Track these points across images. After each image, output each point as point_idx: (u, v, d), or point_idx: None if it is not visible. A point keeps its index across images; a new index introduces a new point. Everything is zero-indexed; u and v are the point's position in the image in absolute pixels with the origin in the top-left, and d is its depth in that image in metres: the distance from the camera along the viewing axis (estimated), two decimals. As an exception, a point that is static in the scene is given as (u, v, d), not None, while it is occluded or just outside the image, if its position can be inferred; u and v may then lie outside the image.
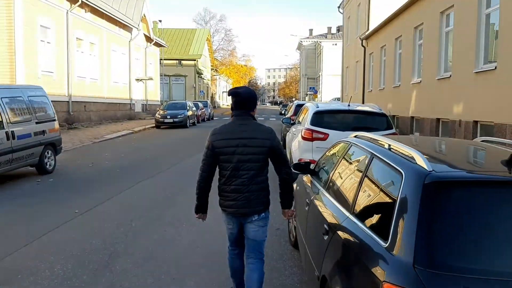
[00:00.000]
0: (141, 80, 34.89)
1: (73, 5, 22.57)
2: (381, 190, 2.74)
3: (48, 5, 20.77)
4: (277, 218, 5.70)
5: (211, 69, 67.76)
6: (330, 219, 3.19)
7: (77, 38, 24.00)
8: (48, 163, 10.18)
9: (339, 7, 34.15)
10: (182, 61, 53.17)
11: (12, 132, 8.75)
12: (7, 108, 8.78)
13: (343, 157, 3.75)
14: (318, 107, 7.89)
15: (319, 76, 62.10)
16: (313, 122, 7.58)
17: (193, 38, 56.24)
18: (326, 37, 65.13)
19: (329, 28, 69.04)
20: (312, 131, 7.43)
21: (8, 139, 8.61)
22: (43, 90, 10.66)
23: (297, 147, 7.85)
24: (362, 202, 2.89)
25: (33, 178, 9.71)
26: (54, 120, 10.64)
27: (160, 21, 50.16)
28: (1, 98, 8.71)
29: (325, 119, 7.68)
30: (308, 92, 55.01)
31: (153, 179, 9.89)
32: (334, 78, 54.92)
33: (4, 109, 8.68)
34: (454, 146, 3.74)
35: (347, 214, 2.94)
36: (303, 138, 7.56)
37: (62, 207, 7.27)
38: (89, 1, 24.34)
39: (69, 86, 22.81)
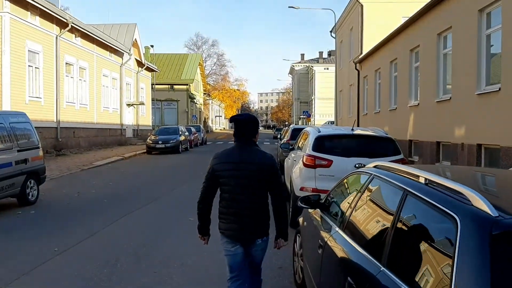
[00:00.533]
0: (132, 105, 34.41)
1: (62, 30, 22.19)
2: (425, 239, 2.16)
3: (37, 30, 20.35)
4: (279, 254, 5.13)
5: (204, 93, 67.56)
6: (355, 271, 2.60)
7: (66, 63, 23.55)
8: (30, 194, 9.50)
9: (331, 31, 34.16)
10: (174, 86, 52.91)
11: (-14, 162, 8.13)
12: (-20, 136, 8.18)
13: (363, 192, 3.19)
14: (320, 132, 7.36)
15: (312, 100, 62.07)
16: (315, 148, 7.04)
17: (185, 63, 56.16)
18: (317, 62, 65.43)
19: (321, 53, 69.50)
20: (315, 157, 6.89)
21: (-15, 169, 7.98)
22: (26, 116, 10.06)
23: (298, 175, 7.28)
24: (399, 253, 2.29)
25: (14, 210, 9.03)
26: (38, 147, 10.00)
27: (152, 46, 50.06)
28: (-21, 125, 8.12)
29: (328, 144, 7.15)
30: (301, 116, 54.79)
31: (142, 211, 9.25)
32: (327, 101, 54.99)
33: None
34: (506, 179, 2.98)
35: (379, 265, 2.36)
36: (305, 165, 7.01)
37: (40, 244, 6.60)
38: (79, 27, 24.02)
39: (58, 112, 22.22)
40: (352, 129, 7.40)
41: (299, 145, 8.66)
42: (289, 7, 30.69)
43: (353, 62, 26.71)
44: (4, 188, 8.53)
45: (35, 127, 19.87)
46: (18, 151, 9.09)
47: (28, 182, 9.39)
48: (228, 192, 3.54)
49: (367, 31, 25.67)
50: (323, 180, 6.78)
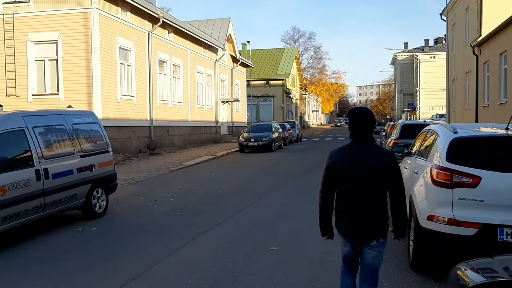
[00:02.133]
0: (227, 101, 33.70)
1: (154, 25, 21.65)
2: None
3: (128, 26, 19.94)
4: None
5: (300, 88, 65.72)
6: None
7: (159, 60, 23.08)
8: (97, 205, 8.36)
9: (441, 14, 30.37)
10: (270, 81, 51.83)
11: (45, 169, 6.97)
12: (40, 139, 7.06)
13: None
14: (456, 132, 5.05)
15: (416, 92, 57.19)
16: (451, 157, 4.75)
17: (281, 58, 54.82)
18: (423, 50, 60.12)
19: (426, 41, 63.77)
20: (452, 171, 4.63)
21: (38, 179, 6.84)
22: (94, 116, 8.97)
23: (423, 196, 5.03)
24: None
25: (75, 225, 7.86)
26: (107, 151, 8.85)
27: (248, 42, 49.39)
28: (33, 127, 7.01)
29: (472, 151, 4.81)
30: (406, 109, 50.59)
31: (222, 228, 7.61)
32: (433, 93, 50.44)
33: (36, 141, 6.96)
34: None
35: None
36: (435, 182, 4.76)
37: (89, 280, 5.22)
38: (172, 22, 23.45)
39: (151, 110, 21.78)
40: (508, 128, 5.00)
41: (421, 149, 6.33)
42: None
43: (470, 45, 23.07)
44: (64, 200, 7.41)
45: (128, 126, 19.87)
46: (82, 156, 7.94)
47: (95, 192, 8.25)
48: (345, 192, 3.48)
49: (488, 8, 22.03)
50: (466, 208, 4.55)
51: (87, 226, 7.78)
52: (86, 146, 8.19)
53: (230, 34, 33.44)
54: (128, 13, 19.94)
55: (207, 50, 29.68)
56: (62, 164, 7.42)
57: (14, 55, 18.15)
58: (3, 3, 18.24)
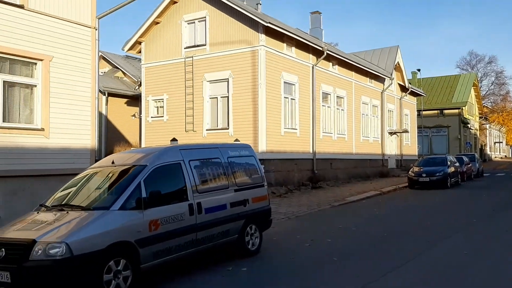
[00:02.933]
0: (395, 133, 31.80)
1: (318, 58, 21.58)
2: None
3: (293, 61, 20.23)
4: None
5: (480, 117, 59.16)
6: None
7: (323, 92, 22.86)
8: (250, 242, 8.04)
9: None
10: (444, 111, 47.76)
11: (198, 204, 6.92)
12: (195, 173, 7.07)
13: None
14: None
15: None
16: None
17: (456, 85, 50.32)
18: None
19: None
20: None
21: (191, 213, 6.78)
22: (250, 149, 8.80)
23: None
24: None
25: (226, 263, 7.61)
26: (262, 185, 8.56)
27: (418, 70, 46.63)
28: (189, 161, 7.07)
29: None
30: None
31: (384, 282, 6.52)
32: None
33: (191, 174, 6.98)
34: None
35: None
36: None
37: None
38: (336, 54, 23.18)
39: (314, 143, 21.51)
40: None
41: None
42: None
43: None
44: (216, 236, 7.25)
45: (290, 159, 19.87)
46: (236, 190, 7.77)
47: (248, 228, 7.97)
48: None
49: None
50: None
51: (237, 265, 7.47)
52: (241, 179, 8.03)
53: (398, 62, 31.79)
54: (293, 48, 20.25)
55: (373, 80, 28.59)
56: (215, 198, 7.33)
57: (193, 94, 19.79)
58: (184, 48, 20.19)
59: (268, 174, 18.23)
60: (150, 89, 21.36)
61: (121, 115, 29.80)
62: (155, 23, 20.92)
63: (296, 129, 20.41)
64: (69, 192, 6.75)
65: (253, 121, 18.17)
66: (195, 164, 7.21)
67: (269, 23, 17.59)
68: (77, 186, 6.84)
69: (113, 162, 6.99)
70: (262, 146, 17.95)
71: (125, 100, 29.79)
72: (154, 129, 21.06)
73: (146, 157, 6.78)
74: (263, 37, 18.12)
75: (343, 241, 9.50)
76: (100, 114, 29.29)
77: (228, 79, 18.92)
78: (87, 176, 7.05)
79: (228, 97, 18.96)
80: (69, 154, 10.77)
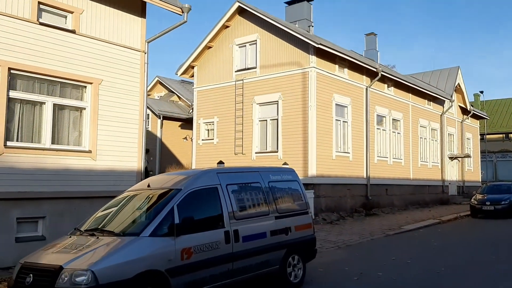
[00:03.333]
0: (455, 158, 30.10)
1: (372, 80, 20.87)
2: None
3: (345, 82, 19.66)
4: None
5: (552, 141, 55.08)
6: None
7: (377, 115, 22.02)
8: (292, 274, 7.50)
9: None
10: (510, 134, 44.81)
11: (235, 231, 6.51)
12: (233, 198, 6.70)
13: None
14: None
15: None
16: None
17: (524, 107, 47.27)
18: None
19: None
20: None
21: (228, 241, 6.38)
22: (294, 173, 8.31)
23: None
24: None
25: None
26: (306, 213, 8.03)
27: (481, 92, 44.38)
28: (226, 185, 6.72)
29: None
30: None
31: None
32: None
33: (228, 199, 6.62)
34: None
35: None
36: None
37: None
38: (391, 75, 22.37)
39: (368, 167, 20.64)
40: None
41: None
42: None
43: None
44: (254, 266, 6.79)
45: (342, 184, 19.13)
46: (277, 217, 7.30)
47: (290, 259, 7.45)
48: None
49: None
50: None
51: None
52: (283, 206, 7.56)
53: (458, 83, 30.28)
54: (346, 69, 19.72)
55: (431, 102, 27.32)
56: (254, 226, 6.89)
57: (242, 116, 19.67)
58: (235, 71, 20.23)
59: (319, 200, 17.62)
60: (202, 112, 21.50)
61: (175, 138, 30.31)
62: (208, 47, 21.16)
63: (348, 152, 19.68)
64: (104, 216, 6.58)
65: (303, 144, 17.70)
66: (233, 189, 6.85)
67: (320, 44, 17.22)
68: (112, 210, 6.67)
69: (148, 186, 6.78)
70: (312, 170, 17.38)
71: (179, 123, 30.32)
72: (205, 151, 21.09)
73: (182, 181, 6.51)
74: (313, 58, 17.75)
75: (395, 275, 8.73)
76: (155, 136, 29.98)
77: (277, 101, 18.65)
78: (123, 200, 6.85)
79: (277, 119, 18.66)
80: (115, 176, 10.79)
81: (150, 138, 30.21)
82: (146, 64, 11.66)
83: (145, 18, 11.75)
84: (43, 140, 9.83)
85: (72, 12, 10.33)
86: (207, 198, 6.53)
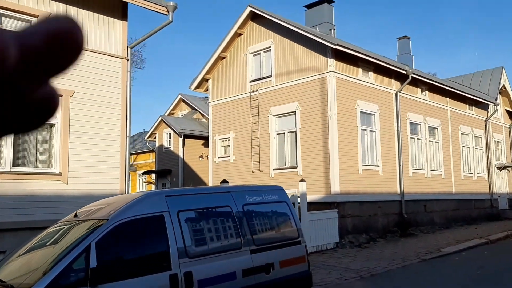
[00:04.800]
0: (505, 167, 27.19)
1: (402, 84, 18.80)
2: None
3: (371, 87, 17.69)
4: None
5: None
6: None
7: (410, 122, 19.85)
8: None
9: None
10: None
11: (187, 274, 4.76)
12: (186, 229, 4.97)
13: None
14: None
15: None
16: None
17: None
18: None
19: None
20: None
21: (174, 288, 4.70)
22: (282, 192, 6.44)
23: None
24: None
25: None
26: (297, 242, 6.18)
27: (530, 94, 40.80)
28: (178, 212, 5.00)
29: None
30: None
31: None
32: None
33: (179, 231, 4.88)
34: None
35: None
36: None
37: None
38: (425, 78, 20.20)
39: (401, 182, 18.44)
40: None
41: None
42: None
43: None
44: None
45: (372, 201, 17.00)
46: (253, 251, 5.51)
47: (278, 304, 5.66)
48: None
49: None
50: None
51: None
52: (262, 235, 5.76)
53: (503, 85, 27.56)
54: (371, 73, 17.79)
55: (473, 107, 24.78)
56: (217, 265, 5.09)
57: (258, 130, 18.08)
58: (249, 82, 18.74)
59: (344, 220, 15.59)
60: (217, 128, 20.05)
61: (197, 157, 29.08)
62: (221, 58, 19.83)
63: (378, 165, 17.59)
64: (15, 259, 5.02)
65: (323, 158, 15.82)
66: (187, 216, 5.12)
67: (338, 45, 15.43)
68: (23, 252, 5.08)
69: (75, 215, 5.23)
70: (335, 187, 15.44)
71: (202, 141, 29.11)
72: (221, 170, 19.55)
73: (115, 209, 4.89)
74: (332, 61, 15.97)
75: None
76: (177, 156, 28.79)
77: (295, 111, 16.93)
78: (42, 237, 5.26)
79: (295, 131, 16.91)
80: (92, 201, 9.30)
81: (172, 158, 29.10)
82: (128, 72, 10.31)
83: (126, 20, 10.45)
84: (2, 163, 8.56)
85: (36, 16, 9.14)
86: (145, 231, 4.85)
